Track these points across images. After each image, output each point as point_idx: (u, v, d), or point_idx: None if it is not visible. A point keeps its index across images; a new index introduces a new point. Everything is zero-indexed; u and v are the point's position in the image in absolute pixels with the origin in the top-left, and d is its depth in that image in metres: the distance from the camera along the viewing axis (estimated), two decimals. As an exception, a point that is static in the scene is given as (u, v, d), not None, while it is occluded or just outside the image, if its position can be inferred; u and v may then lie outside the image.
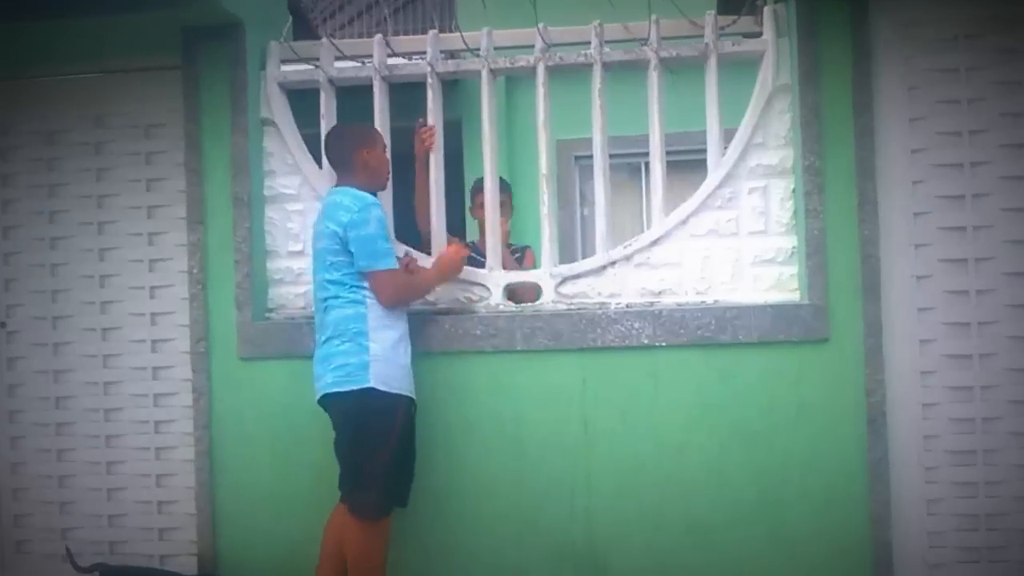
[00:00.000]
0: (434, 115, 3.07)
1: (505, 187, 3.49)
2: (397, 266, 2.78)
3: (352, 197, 2.72)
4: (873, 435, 2.77)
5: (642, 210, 6.32)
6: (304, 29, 4.41)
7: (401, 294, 2.77)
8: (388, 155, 2.94)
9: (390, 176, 2.95)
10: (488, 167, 3.07)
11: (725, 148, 2.96)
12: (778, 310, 2.81)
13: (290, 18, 3.43)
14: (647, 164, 6.23)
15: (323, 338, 2.74)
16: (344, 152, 2.83)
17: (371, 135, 2.90)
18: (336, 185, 2.86)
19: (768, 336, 2.80)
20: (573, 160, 6.37)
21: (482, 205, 3.37)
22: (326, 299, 2.73)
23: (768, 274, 2.93)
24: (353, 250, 2.68)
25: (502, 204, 3.39)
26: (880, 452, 2.77)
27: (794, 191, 2.91)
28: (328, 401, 2.70)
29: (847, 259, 2.79)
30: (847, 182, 2.80)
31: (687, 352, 2.85)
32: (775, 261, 2.93)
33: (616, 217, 3.05)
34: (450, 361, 2.94)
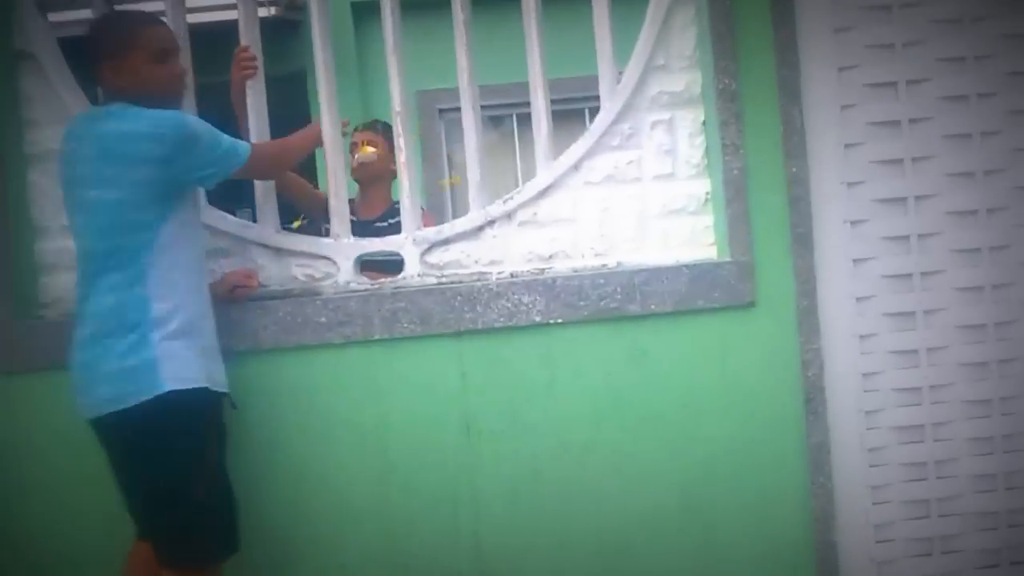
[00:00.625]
0: (248, 38, 2.37)
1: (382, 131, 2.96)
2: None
3: (148, 120, 1.95)
4: (812, 416, 2.30)
5: (516, 169, 5.77)
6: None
7: (277, 161, 2.37)
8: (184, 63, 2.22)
9: (184, 90, 2.18)
10: (325, 106, 2.39)
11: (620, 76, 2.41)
12: (695, 271, 2.28)
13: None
14: (519, 116, 5.80)
15: (85, 333, 2.00)
16: (113, 49, 2.01)
17: (152, 26, 2.07)
18: (104, 104, 2.08)
19: (685, 304, 2.27)
20: (437, 114, 5.74)
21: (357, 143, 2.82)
22: (91, 276, 2.00)
23: (679, 227, 2.40)
24: (196, 176, 2.04)
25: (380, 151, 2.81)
26: (820, 436, 2.30)
27: (705, 123, 2.39)
28: (106, 423, 1.98)
29: (773, 204, 2.29)
30: (769, 108, 2.29)
31: (589, 329, 2.28)
32: (686, 211, 2.40)
33: (488, 178, 2.44)
34: (288, 359, 2.28)
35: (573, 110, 5.33)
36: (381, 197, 3.10)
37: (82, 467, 2.19)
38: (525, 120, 5.38)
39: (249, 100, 2.36)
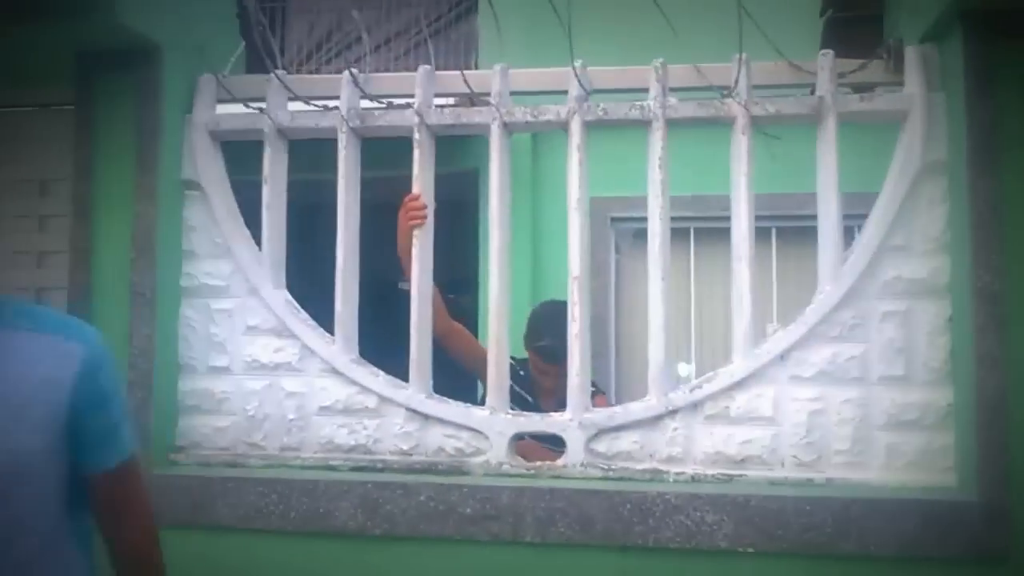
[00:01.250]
0: (423, 180, 2.15)
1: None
2: None
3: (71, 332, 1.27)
4: None
5: (690, 291, 5.30)
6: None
7: None
8: None
9: None
10: (495, 262, 2.12)
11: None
12: (928, 508, 1.81)
13: (243, 45, 2.54)
14: (696, 230, 5.35)
15: None
16: None
17: None
18: None
19: (912, 549, 1.80)
20: (608, 223, 5.40)
21: (546, 373, 2.46)
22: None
23: (908, 444, 1.94)
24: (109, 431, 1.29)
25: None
26: None
27: (950, 320, 1.94)
28: None
29: (1040, 434, 1.80)
30: (1043, 315, 1.81)
31: (785, 564, 1.85)
32: (920, 424, 1.94)
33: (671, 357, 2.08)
34: (426, 549, 1.98)
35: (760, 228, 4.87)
36: (555, 381, 2.49)
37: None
38: (703, 234, 4.82)
39: (415, 251, 2.13)
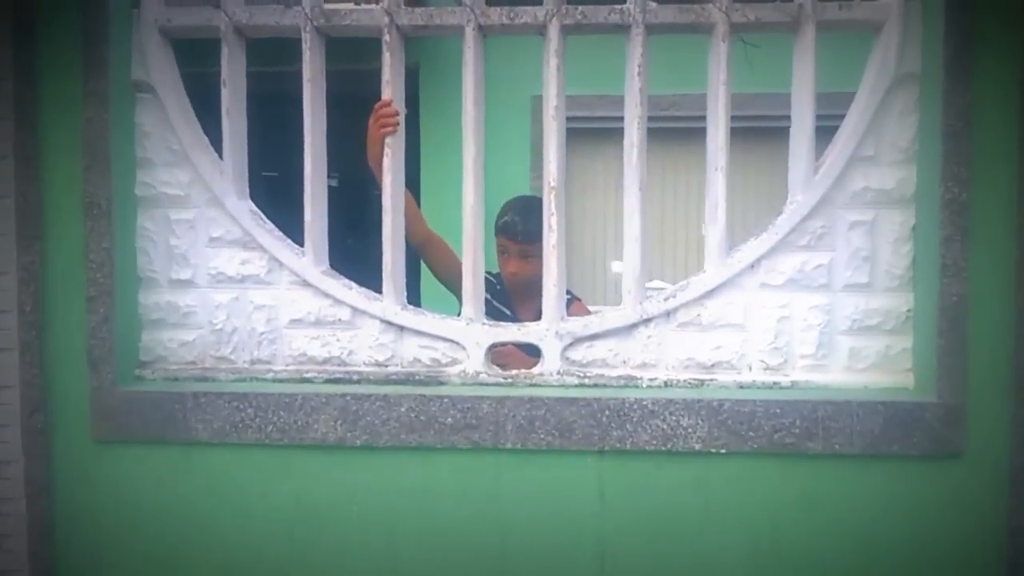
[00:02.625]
0: (393, 84, 2.07)
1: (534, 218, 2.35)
2: None
3: None
4: (1015, 594, 1.93)
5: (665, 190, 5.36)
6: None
7: None
8: None
9: None
10: (470, 169, 2.08)
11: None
12: (892, 409, 1.91)
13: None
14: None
15: None
16: None
17: None
18: None
19: (876, 447, 1.91)
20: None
21: (507, 251, 2.46)
22: None
23: (870, 347, 2.04)
24: None
25: (526, 251, 2.45)
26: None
27: (914, 229, 2.01)
28: None
29: (996, 340, 1.90)
30: (1004, 227, 1.89)
31: (756, 463, 1.95)
32: (881, 328, 2.03)
33: (647, 264, 2.09)
34: (408, 459, 2.00)
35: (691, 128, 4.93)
36: (534, 291, 2.50)
37: (158, 551, 2.00)
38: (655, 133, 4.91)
39: (387, 160, 2.07)
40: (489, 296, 2.33)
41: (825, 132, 2.04)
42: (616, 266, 5.44)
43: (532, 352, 2.15)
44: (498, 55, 4.12)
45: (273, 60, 2.54)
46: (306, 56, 2.06)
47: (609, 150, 5.14)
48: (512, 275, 2.53)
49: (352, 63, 2.68)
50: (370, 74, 2.20)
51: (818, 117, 2.01)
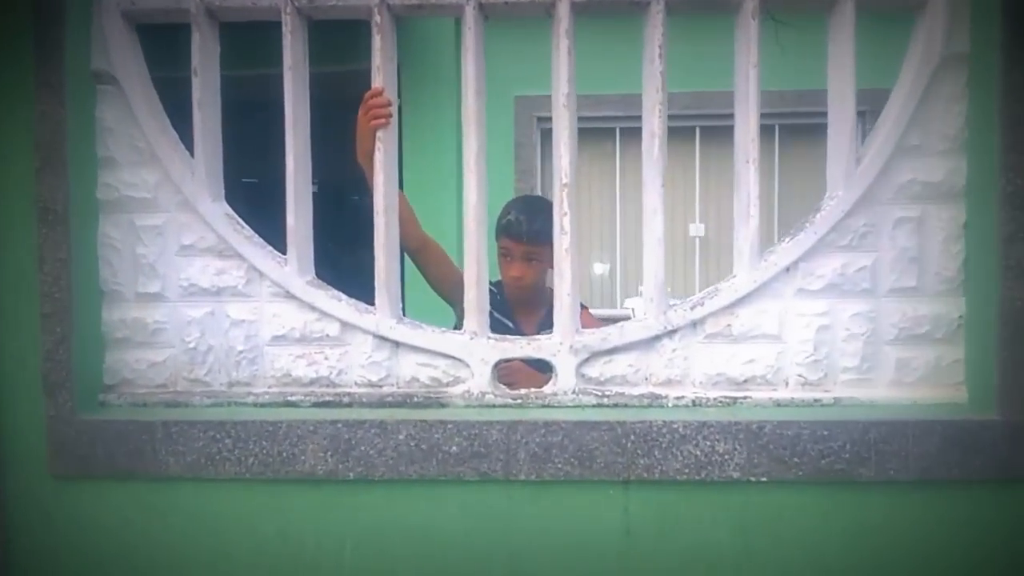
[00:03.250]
0: (384, 72, 1.85)
1: (541, 218, 2.22)
2: None
3: None
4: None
5: (616, 189, 5.20)
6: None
7: None
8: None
9: None
10: (472, 168, 1.86)
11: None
12: (951, 429, 1.71)
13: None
14: (623, 130, 5.24)
15: None
16: None
17: None
18: None
19: (934, 472, 1.70)
20: (535, 123, 5.17)
21: (511, 254, 2.30)
22: None
23: (918, 358, 1.84)
24: None
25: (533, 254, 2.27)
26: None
27: (966, 226, 1.81)
28: None
29: (1063, 348, 1.71)
30: (1072, 222, 1.70)
31: (801, 493, 1.74)
32: (930, 337, 1.83)
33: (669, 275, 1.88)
34: (408, 492, 1.78)
35: (682, 128, 4.80)
36: (537, 302, 2.43)
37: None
38: (629, 134, 4.79)
39: (378, 155, 1.85)
40: (489, 307, 2.12)
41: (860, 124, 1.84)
42: (598, 268, 5.32)
43: (542, 368, 1.94)
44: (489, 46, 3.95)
45: (254, 62, 2.32)
46: (287, 41, 1.84)
47: (591, 149, 5.02)
48: (516, 279, 2.32)
49: (337, 63, 2.46)
50: (355, 75, 1.99)
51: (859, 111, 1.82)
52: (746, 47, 1.80)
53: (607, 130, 5.05)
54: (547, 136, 5.16)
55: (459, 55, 1.90)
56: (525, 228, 2.26)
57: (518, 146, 5.18)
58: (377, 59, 1.84)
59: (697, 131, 5.11)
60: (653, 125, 1.81)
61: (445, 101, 4.16)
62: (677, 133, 4.97)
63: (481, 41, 1.85)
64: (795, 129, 5.00)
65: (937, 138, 1.81)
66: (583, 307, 2.30)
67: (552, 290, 1.88)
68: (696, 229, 5.26)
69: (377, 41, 1.83)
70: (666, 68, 1.81)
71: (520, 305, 2.39)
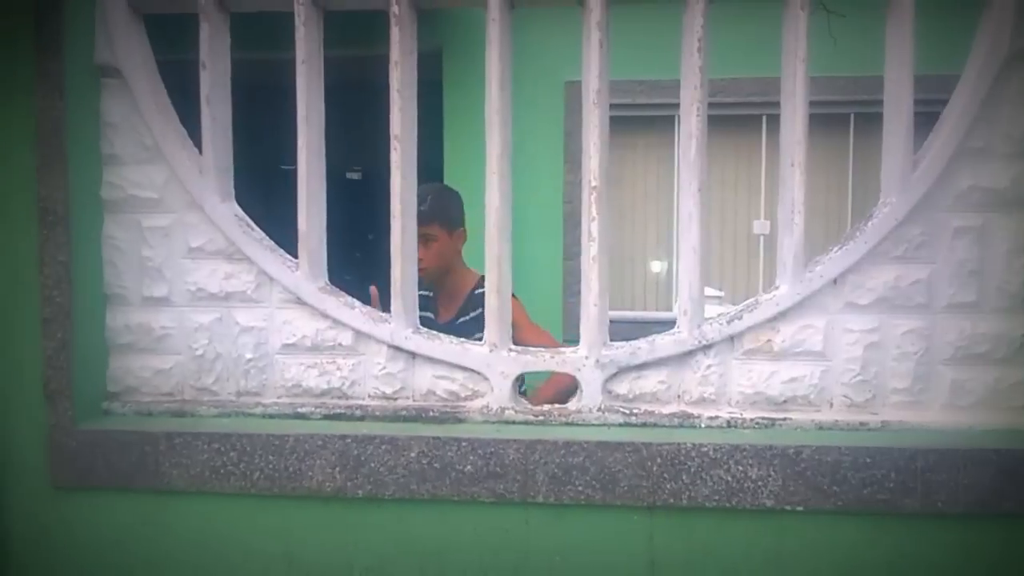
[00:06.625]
0: (403, 66, 1.73)
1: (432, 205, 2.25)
2: None
3: None
4: None
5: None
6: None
7: None
8: None
9: None
10: (495, 168, 1.74)
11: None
12: (1007, 458, 1.56)
13: None
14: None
15: None
16: None
17: None
18: None
19: (986, 505, 1.56)
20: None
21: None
22: None
23: (976, 381, 1.69)
24: None
25: (424, 234, 2.18)
26: None
27: (1033, 237, 1.66)
28: None
29: None
30: None
31: (840, 523, 1.60)
32: (990, 357, 1.68)
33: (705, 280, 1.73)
34: (418, 512, 1.68)
35: (746, 116, 4.56)
36: (456, 290, 2.39)
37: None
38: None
39: (395, 156, 1.74)
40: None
41: (923, 120, 1.69)
42: (656, 266, 5.10)
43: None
44: (528, 35, 3.79)
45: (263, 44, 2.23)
46: (299, 33, 1.73)
47: (651, 138, 4.80)
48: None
49: (353, 48, 2.36)
50: (373, 60, 1.88)
51: (916, 103, 1.66)
52: (794, 40, 1.65)
53: (667, 118, 4.77)
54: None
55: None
56: (426, 213, 2.19)
57: (567, 135, 4.96)
58: (395, 52, 1.72)
59: (764, 120, 4.81)
60: (691, 125, 1.68)
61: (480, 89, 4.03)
62: (741, 122, 4.72)
63: (507, 32, 1.73)
64: (873, 118, 4.71)
65: (1002, 140, 1.65)
66: (514, 296, 2.22)
67: (480, 278, 1.80)
68: (760, 226, 4.94)
69: (395, 33, 1.71)
70: (707, 62, 1.67)
71: (441, 293, 2.35)
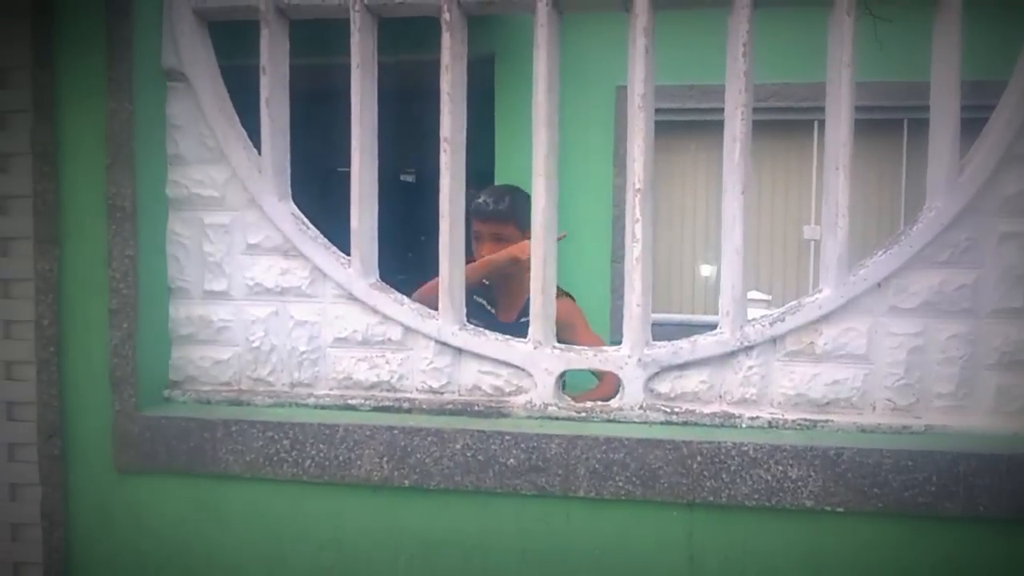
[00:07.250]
0: (454, 72, 1.79)
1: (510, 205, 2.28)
2: None
3: None
4: None
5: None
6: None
7: None
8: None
9: None
10: (542, 170, 1.79)
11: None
12: (1053, 464, 1.55)
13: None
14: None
15: None
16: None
17: None
18: None
19: (1029, 510, 1.56)
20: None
21: (480, 236, 2.29)
22: None
23: (1022, 386, 1.68)
24: None
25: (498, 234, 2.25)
26: None
27: (1083, 243, 1.64)
28: None
29: None
30: None
31: (880, 525, 1.61)
32: (1037, 364, 1.67)
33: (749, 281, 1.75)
34: (463, 502, 1.73)
35: (798, 121, 4.52)
36: (519, 289, 2.31)
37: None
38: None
39: (444, 158, 1.79)
40: (481, 299, 2.23)
41: (971, 126, 1.69)
42: (706, 269, 5.08)
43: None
44: (578, 39, 3.82)
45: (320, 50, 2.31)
46: (355, 39, 1.80)
47: (700, 142, 4.79)
48: (482, 258, 2.29)
49: (405, 53, 2.41)
50: (424, 65, 1.94)
51: (964, 108, 1.66)
52: (839, 45, 1.66)
53: (716, 123, 4.78)
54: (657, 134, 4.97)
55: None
56: (490, 208, 2.26)
57: (618, 140, 4.94)
58: (446, 57, 1.78)
59: (815, 126, 4.78)
60: (735, 129, 1.70)
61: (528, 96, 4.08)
62: (792, 127, 4.68)
63: (555, 37, 1.77)
64: (926, 124, 4.61)
65: (1052, 145, 1.64)
66: (567, 294, 2.25)
67: None
68: (811, 231, 4.89)
69: (446, 39, 1.77)
70: (751, 66, 1.69)
71: (502, 290, 2.35)
